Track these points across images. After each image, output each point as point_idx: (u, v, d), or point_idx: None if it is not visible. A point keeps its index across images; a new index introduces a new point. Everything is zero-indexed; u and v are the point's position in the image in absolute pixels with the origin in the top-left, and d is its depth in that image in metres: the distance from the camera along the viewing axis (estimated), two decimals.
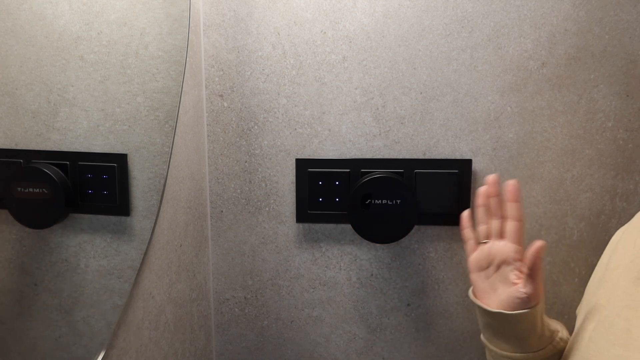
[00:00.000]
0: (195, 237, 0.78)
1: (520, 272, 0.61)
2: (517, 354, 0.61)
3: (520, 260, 0.61)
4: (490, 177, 0.64)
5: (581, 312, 0.61)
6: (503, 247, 0.62)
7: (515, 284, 0.60)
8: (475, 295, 0.65)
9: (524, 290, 0.59)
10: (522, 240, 0.62)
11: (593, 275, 0.64)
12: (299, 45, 0.77)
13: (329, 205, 0.78)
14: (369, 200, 0.74)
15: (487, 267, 0.64)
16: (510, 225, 0.62)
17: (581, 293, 0.78)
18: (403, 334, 0.83)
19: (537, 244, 0.58)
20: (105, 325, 0.55)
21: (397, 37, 0.75)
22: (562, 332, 0.64)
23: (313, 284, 0.83)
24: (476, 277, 0.65)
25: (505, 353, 0.62)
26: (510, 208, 0.62)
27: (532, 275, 0.58)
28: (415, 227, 0.78)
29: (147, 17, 0.59)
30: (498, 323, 0.61)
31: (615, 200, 0.76)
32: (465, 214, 0.67)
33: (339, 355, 0.85)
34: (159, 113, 0.62)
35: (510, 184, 0.63)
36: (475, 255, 0.65)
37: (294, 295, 0.84)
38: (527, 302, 0.59)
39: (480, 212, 0.65)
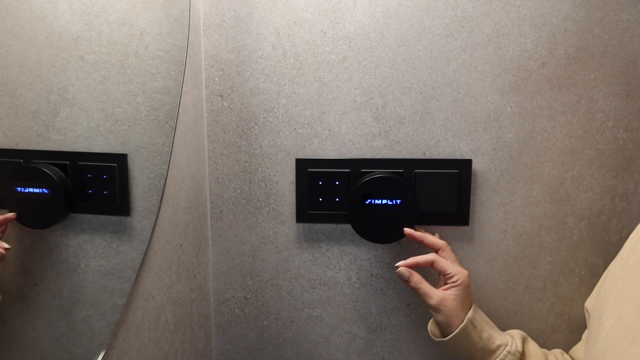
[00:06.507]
0: (195, 237, 0.78)
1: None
2: None
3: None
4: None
5: (596, 306, 0.60)
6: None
7: None
8: None
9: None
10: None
11: (610, 269, 0.63)
12: (299, 45, 0.77)
13: (329, 205, 0.78)
14: (369, 200, 0.74)
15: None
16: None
17: (581, 293, 0.79)
18: (403, 334, 0.83)
19: (398, 264, 0.70)
20: (105, 325, 0.55)
21: (397, 37, 0.75)
22: (512, 345, 0.66)
23: (313, 284, 0.83)
24: None
25: None
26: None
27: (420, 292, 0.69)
28: (415, 227, 0.78)
29: (147, 17, 0.59)
30: (447, 349, 0.69)
31: (615, 200, 0.76)
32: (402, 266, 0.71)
33: (339, 355, 0.85)
34: (159, 113, 0.62)
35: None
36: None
37: (294, 295, 0.84)
38: (435, 311, 0.67)
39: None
